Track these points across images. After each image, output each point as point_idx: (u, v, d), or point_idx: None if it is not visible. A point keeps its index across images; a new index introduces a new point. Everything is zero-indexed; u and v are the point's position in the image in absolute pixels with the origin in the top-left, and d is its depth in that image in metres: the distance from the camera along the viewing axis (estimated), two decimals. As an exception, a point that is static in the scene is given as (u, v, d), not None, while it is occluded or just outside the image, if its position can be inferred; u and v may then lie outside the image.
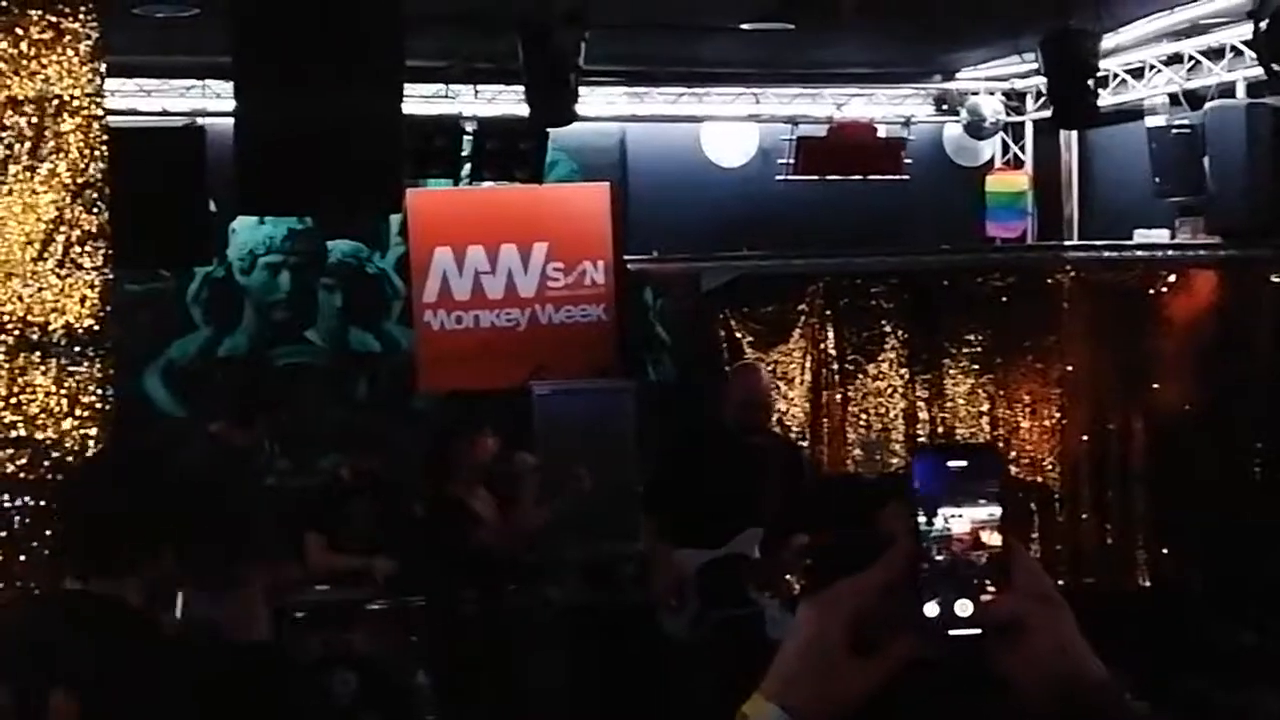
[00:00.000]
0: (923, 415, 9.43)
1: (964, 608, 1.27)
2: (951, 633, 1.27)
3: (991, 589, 1.28)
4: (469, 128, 9.63)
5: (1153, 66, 9.67)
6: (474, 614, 6.75)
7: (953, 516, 1.29)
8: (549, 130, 9.41)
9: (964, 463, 1.31)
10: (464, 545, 6.73)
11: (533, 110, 8.75)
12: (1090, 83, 8.70)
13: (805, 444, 9.27)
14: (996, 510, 1.29)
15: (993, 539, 1.29)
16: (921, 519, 1.29)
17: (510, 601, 6.97)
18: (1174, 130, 9.26)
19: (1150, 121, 9.48)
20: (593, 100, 9.75)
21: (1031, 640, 1.27)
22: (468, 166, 9.65)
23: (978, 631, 1.27)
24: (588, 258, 10.60)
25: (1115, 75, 9.84)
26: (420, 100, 9.33)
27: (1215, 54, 9.10)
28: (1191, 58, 9.30)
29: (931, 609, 1.27)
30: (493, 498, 7.04)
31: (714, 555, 6.18)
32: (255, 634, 2.58)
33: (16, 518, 5.07)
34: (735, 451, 6.32)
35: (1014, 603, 1.27)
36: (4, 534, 5.05)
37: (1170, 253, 9.40)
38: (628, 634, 7.42)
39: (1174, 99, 9.50)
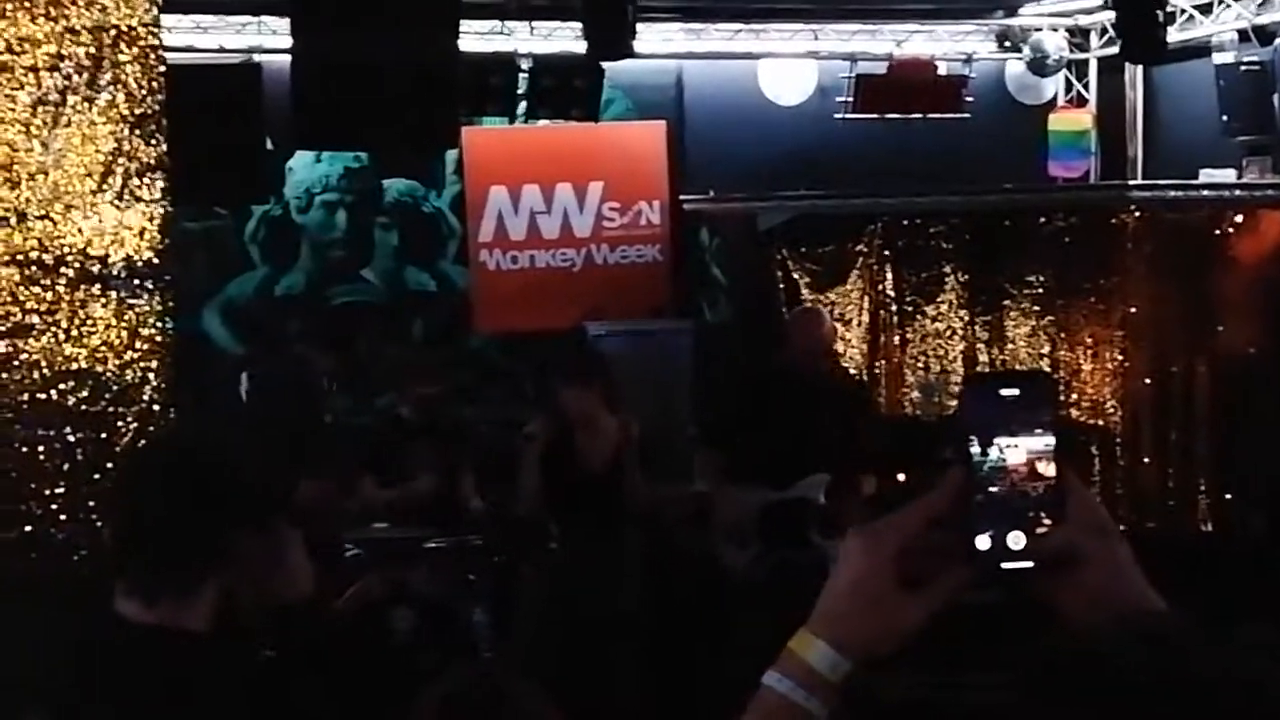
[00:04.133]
0: (982, 357, 9.36)
1: (1017, 540, 1.24)
2: (1004, 566, 1.24)
3: (1046, 521, 1.24)
4: (525, 65, 9.58)
5: (1221, 1, 9.46)
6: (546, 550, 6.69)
7: (1008, 447, 1.25)
8: (605, 68, 9.35)
9: (1017, 391, 1.27)
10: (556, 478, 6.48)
11: (589, 46, 8.69)
12: (1160, 16, 8.52)
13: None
14: (1052, 440, 1.26)
15: (1048, 470, 1.25)
16: (975, 449, 1.26)
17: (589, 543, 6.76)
18: (1243, 67, 9.08)
19: (1218, 58, 9.30)
20: (649, 37, 9.67)
21: (1086, 573, 1.24)
22: (523, 104, 9.61)
23: (1030, 564, 1.24)
24: (643, 197, 10.55)
25: (1183, 11, 9.63)
26: (476, 37, 9.28)
27: (1287, -12, 8.89)
28: (1262, -8, 9.10)
29: (983, 541, 1.24)
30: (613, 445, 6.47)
31: (779, 497, 6.15)
32: (304, 587, 2.34)
33: (79, 450, 5.13)
34: (800, 394, 6.28)
35: (1068, 535, 1.24)
36: (67, 466, 5.11)
37: (1237, 193, 9.24)
38: (682, 573, 7.39)
39: (1243, 35, 9.30)
